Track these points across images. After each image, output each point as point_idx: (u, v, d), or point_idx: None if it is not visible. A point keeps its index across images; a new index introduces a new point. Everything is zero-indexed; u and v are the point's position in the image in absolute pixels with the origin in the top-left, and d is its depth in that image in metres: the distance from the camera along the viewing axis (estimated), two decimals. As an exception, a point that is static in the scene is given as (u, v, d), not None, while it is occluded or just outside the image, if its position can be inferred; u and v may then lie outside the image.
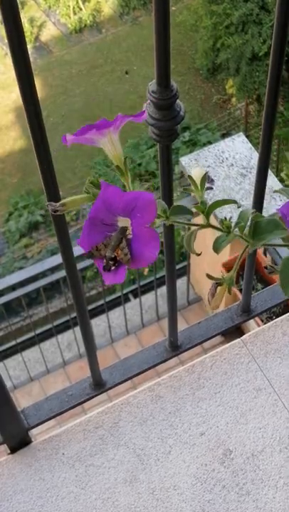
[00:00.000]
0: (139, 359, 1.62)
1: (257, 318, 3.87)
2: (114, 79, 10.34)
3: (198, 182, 0.81)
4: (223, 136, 9.18)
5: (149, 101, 0.96)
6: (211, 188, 0.81)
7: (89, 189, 0.78)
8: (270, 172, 4.28)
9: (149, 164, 9.51)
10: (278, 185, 4.21)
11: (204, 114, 9.96)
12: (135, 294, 5.27)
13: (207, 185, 0.81)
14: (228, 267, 4.22)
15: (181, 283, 5.08)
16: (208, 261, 4.54)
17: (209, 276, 0.80)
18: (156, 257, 0.71)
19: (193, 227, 0.79)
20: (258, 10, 9.68)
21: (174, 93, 0.95)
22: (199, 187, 0.81)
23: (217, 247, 0.78)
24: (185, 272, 5.02)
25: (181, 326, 1.59)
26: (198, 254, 0.78)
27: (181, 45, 10.78)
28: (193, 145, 9.55)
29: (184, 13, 10.97)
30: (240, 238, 0.79)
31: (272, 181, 4.18)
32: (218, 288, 0.79)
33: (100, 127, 0.78)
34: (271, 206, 3.99)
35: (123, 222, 0.73)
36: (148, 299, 5.08)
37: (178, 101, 0.97)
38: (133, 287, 5.44)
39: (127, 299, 5.31)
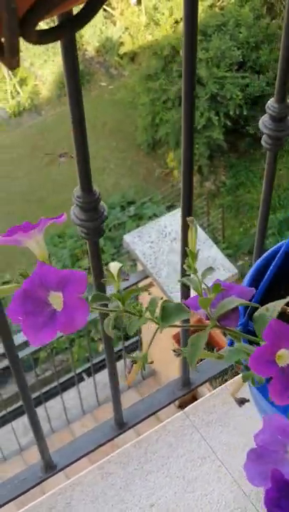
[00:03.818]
0: (85, 440, 1.68)
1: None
2: (56, 159, 10.47)
3: (115, 274, 0.90)
4: (168, 208, 9.31)
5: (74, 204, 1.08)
6: (127, 280, 0.90)
7: (19, 280, 0.86)
8: (212, 243, 4.39)
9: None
10: (221, 255, 4.31)
11: (148, 188, 10.12)
12: (88, 372, 5.29)
13: (122, 276, 0.90)
14: (177, 338, 4.30)
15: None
16: (158, 334, 4.60)
17: (128, 356, 0.88)
18: (86, 321, 0.79)
19: (112, 313, 0.88)
20: (193, 84, 9.89)
21: (96, 196, 1.07)
22: (116, 278, 0.90)
23: (130, 329, 0.87)
24: (137, 346, 5.07)
25: (137, 400, 1.66)
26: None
27: (121, 123, 10.99)
28: (139, 219, 9.67)
29: (121, 91, 11.20)
30: (152, 321, 0.88)
31: (215, 251, 4.29)
32: (134, 365, 0.88)
33: (26, 229, 0.86)
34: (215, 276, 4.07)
35: (54, 297, 0.80)
36: (102, 376, 5.10)
37: (101, 202, 1.09)
38: (87, 366, 5.45)
39: (80, 379, 5.32)
